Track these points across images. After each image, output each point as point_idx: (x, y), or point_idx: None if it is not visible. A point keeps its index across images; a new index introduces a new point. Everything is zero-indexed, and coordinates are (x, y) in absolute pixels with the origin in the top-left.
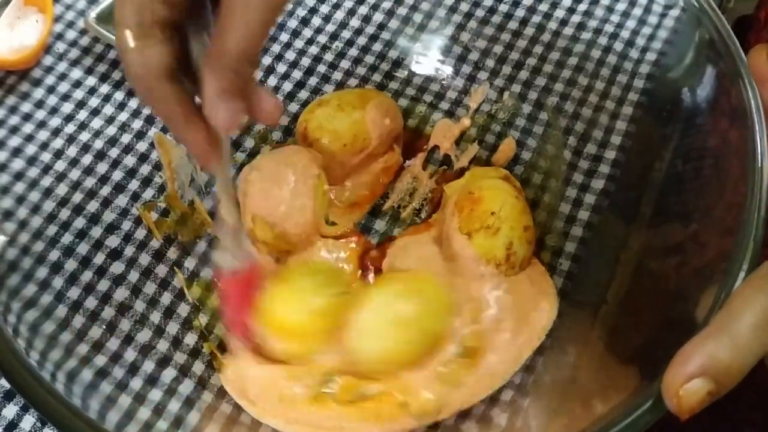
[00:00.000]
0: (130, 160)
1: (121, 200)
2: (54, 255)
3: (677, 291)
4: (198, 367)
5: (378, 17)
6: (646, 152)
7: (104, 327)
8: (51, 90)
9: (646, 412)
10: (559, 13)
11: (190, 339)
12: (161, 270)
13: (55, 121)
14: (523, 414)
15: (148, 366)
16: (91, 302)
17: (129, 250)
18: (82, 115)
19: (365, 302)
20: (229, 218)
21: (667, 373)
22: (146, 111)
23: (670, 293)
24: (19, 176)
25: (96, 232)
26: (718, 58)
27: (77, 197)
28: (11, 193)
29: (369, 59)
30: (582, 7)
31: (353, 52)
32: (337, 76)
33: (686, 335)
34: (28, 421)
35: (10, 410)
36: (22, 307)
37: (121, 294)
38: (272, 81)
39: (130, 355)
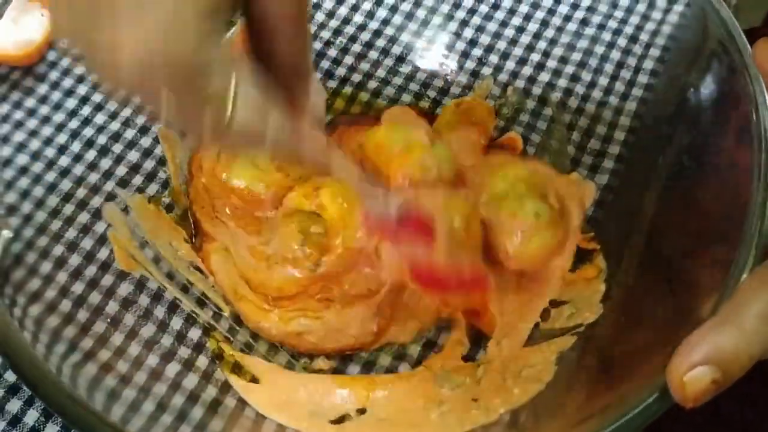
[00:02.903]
0: (134, 156)
1: (125, 196)
2: (58, 250)
3: (683, 285)
4: (202, 362)
5: (381, 13)
6: (651, 148)
7: (108, 321)
8: (55, 86)
9: (653, 403)
10: (563, 9)
11: (194, 334)
12: None
13: (59, 117)
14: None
15: (153, 360)
16: (95, 297)
17: None
18: (86, 110)
19: None
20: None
21: (671, 362)
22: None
23: (675, 287)
24: (23, 171)
25: (100, 227)
26: (724, 53)
27: (81, 192)
28: (16, 187)
29: (372, 55)
30: (585, 2)
31: (356, 48)
32: (341, 71)
33: (692, 330)
34: (32, 415)
35: (14, 405)
36: (27, 300)
37: (125, 289)
38: None
39: (135, 349)
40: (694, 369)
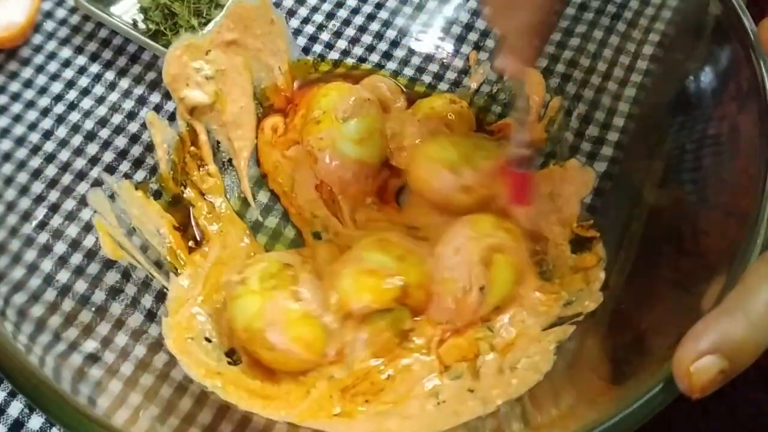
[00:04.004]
0: (121, 141)
1: (112, 182)
2: (43, 237)
3: (685, 272)
4: None
5: None
6: (650, 134)
7: (94, 311)
8: (40, 69)
9: (658, 393)
10: None
11: None
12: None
13: (44, 101)
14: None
15: (139, 350)
16: (81, 286)
17: None
18: (72, 95)
19: None
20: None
21: (678, 351)
22: (137, 91)
23: (677, 275)
24: (7, 157)
25: (86, 214)
26: (727, 35)
27: (67, 179)
28: None
29: (366, 39)
30: None
31: (350, 31)
32: (334, 55)
33: (696, 318)
34: (16, 407)
35: None
36: (11, 290)
37: (111, 277)
38: None
39: (121, 339)
40: (701, 358)
